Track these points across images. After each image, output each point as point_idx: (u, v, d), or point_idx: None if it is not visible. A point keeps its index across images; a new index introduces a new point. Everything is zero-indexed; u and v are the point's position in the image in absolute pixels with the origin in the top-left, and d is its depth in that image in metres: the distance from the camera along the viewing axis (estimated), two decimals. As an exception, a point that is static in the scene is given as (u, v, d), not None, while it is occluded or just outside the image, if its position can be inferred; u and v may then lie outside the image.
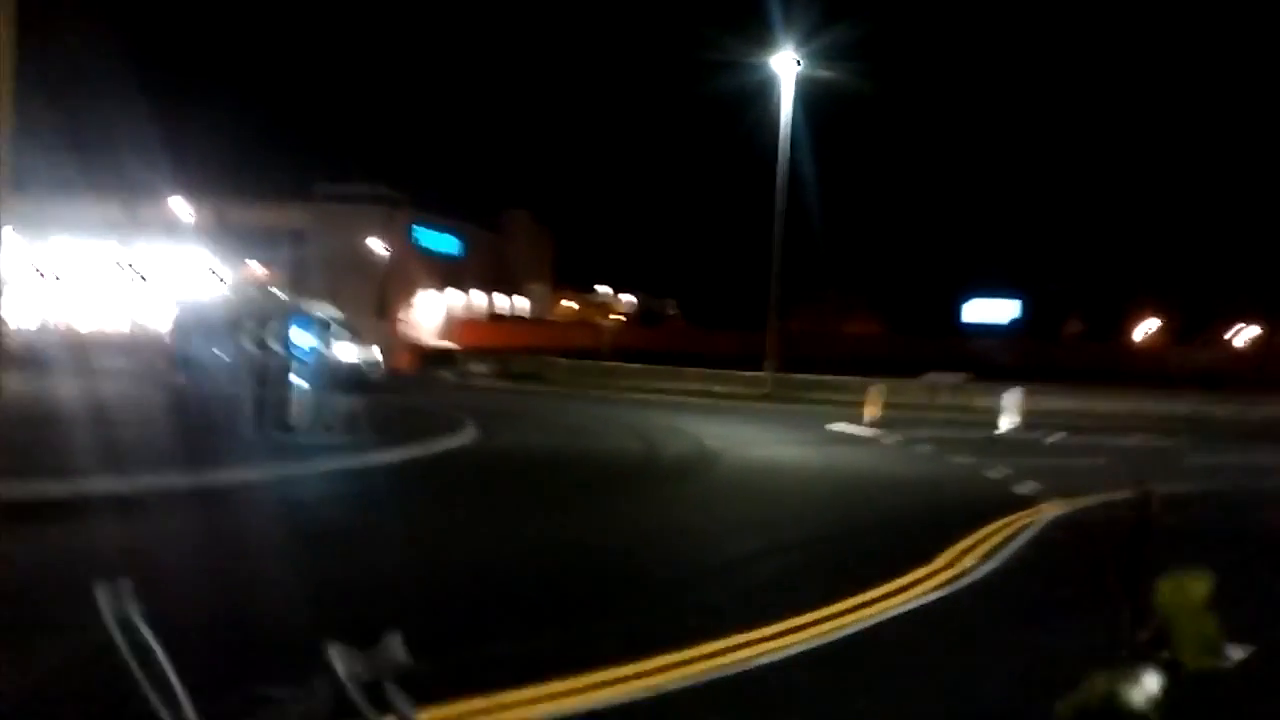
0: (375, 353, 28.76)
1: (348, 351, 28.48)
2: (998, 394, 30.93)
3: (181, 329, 31.59)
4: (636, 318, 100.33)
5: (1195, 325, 79.23)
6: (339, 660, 0.81)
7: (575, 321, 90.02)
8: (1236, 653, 1.55)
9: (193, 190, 67.67)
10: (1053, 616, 9.22)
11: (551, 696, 6.23)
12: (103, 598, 0.90)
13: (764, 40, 41.81)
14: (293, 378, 18.61)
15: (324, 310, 31.56)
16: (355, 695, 0.70)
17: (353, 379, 26.57)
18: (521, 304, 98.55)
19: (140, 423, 18.56)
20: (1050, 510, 14.56)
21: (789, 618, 8.16)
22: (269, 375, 18.21)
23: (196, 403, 23.56)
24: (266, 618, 7.87)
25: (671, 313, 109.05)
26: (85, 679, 4.75)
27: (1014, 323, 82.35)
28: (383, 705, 1.06)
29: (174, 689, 0.91)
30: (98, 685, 4.72)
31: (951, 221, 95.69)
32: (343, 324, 29.23)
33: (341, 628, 5.34)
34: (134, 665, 0.84)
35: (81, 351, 39.32)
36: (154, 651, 0.86)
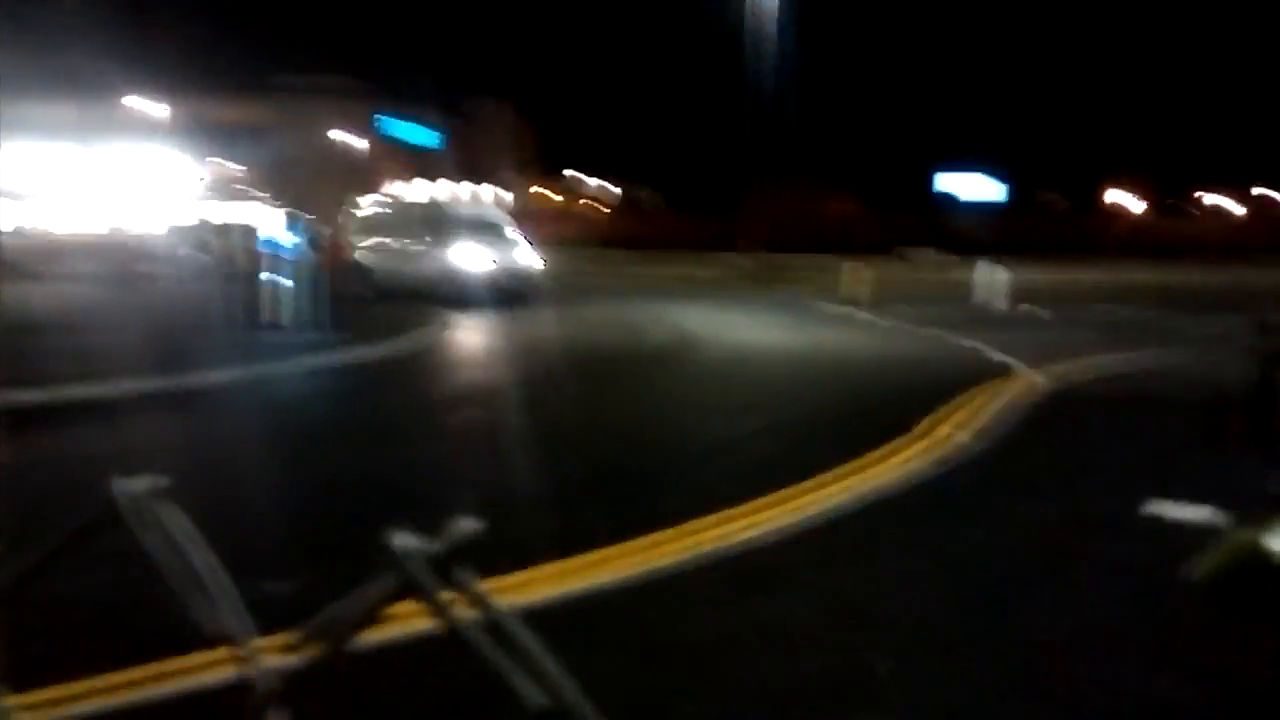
0: (536, 259, 28.15)
1: (523, 255, 27.96)
2: (977, 268, 30.93)
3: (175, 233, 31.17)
4: (618, 205, 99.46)
5: (1172, 194, 79.28)
6: (403, 543, 0.72)
7: (558, 212, 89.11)
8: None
9: (151, 88, 65.98)
10: (1042, 487, 9.30)
11: (548, 578, 6.24)
12: (123, 496, 0.79)
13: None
14: (279, 276, 18.42)
15: (494, 215, 31.19)
16: (421, 576, 0.62)
17: (522, 285, 26.43)
18: (493, 196, 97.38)
19: (121, 327, 18.34)
20: (1037, 380, 14.63)
21: (774, 495, 8.20)
22: (255, 273, 18.11)
23: (181, 304, 23.33)
24: (258, 513, 7.83)
25: (643, 194, 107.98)
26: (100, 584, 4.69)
27: (991, 200, 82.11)
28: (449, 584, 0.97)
29: (211, 587, 0.81)
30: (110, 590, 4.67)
31: (927, 96, 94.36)
32: (511, 229, 28.73)
33: (322, 520, 5.27)
34: (164, 565, 0.74)
35: (57, 256, 38.81)
36: (183, 549, 0.76)
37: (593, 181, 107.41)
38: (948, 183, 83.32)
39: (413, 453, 10.41)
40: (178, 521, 0.87)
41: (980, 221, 65.92)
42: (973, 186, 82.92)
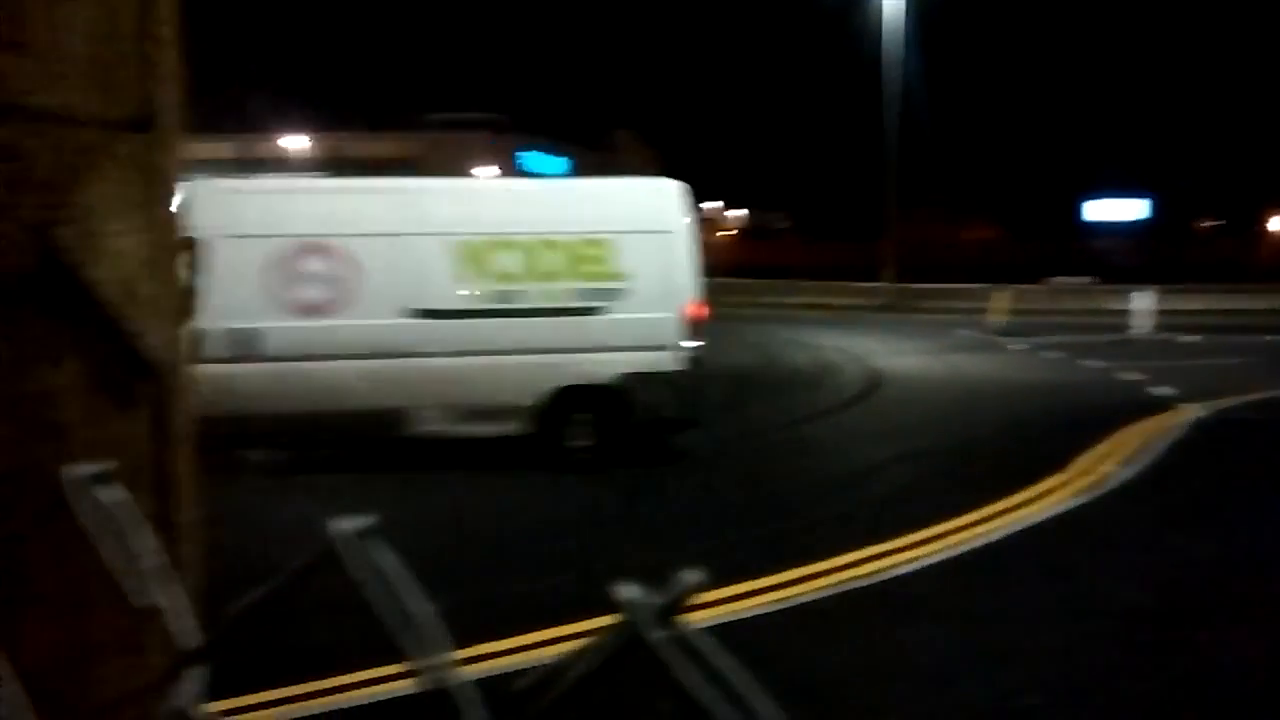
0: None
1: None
2: (1126, 295, 29.83)
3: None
4: (746, 232, 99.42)
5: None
6: (630, 594, 0.78)
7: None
8: None
9: (306, 125, 68.98)
10: (1194, 522, 8.96)
11: (690, 609, 6.27)
12: (339, 536, 0.89)
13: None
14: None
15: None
16: (648, 628, 0.67)
17: None
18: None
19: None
20: (1190, 412, 14.07)
21: (920, 528, 8.09)
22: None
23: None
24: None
25: (782, 226, 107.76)
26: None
27: (1140, 222, 79.19)
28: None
29: (422, 630, 0.89)
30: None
31: (1071, 119, 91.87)
32: None
33: (445, 562, 5.38)
34: (377, 603, 0.83)
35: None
36: (395, 589, 0.85)
37: (717, 208, 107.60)
38: (1095, 209, 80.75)
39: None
40: (389, 561, 0.96)
41: (1127, 247, 63.63)
42: (1119, 211, 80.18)
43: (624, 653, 0.88)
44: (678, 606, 0.89)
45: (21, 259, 1.50)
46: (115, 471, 1.10)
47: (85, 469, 0.89)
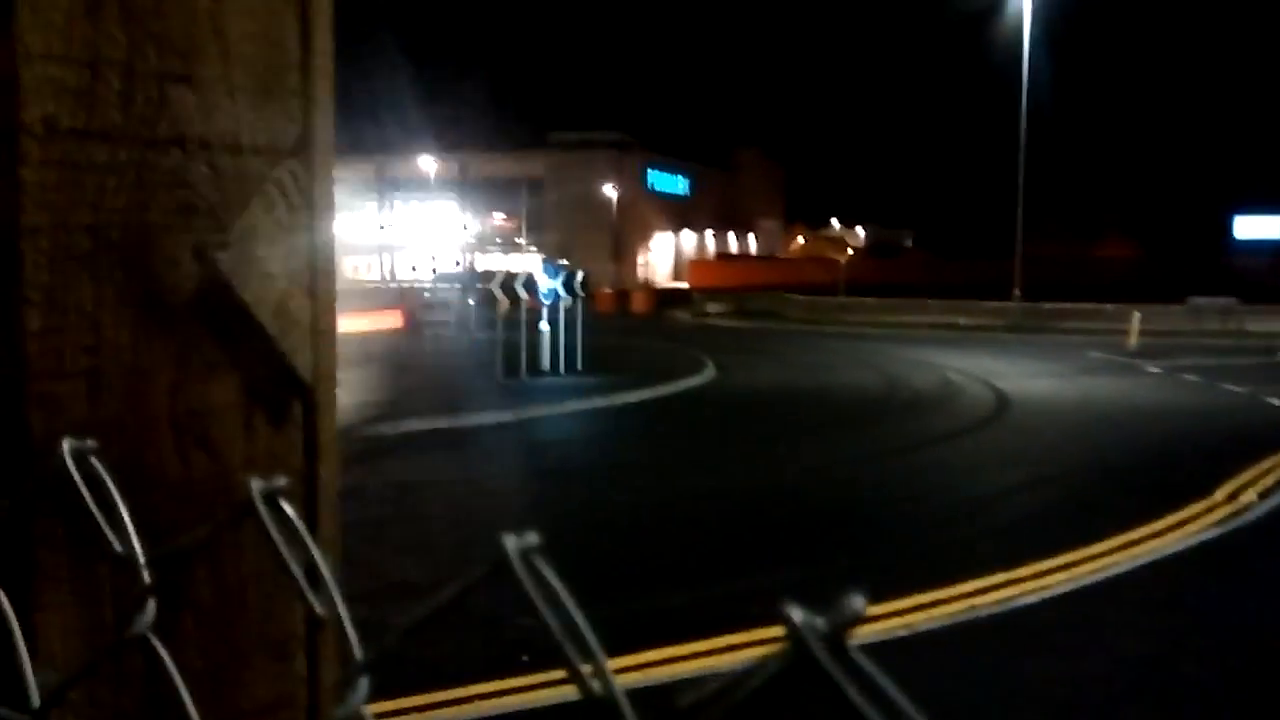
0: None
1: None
2: (1271, 318, 28.54)
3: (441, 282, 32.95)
4: (868, 250, 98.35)
5: None
6: (802, 617, 0.78)
7: (808, 257, 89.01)
8: None
9: (439, 146, 70.81)
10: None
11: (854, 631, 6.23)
12: (509, 545, 0.92)
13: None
14: (542, 323, 19.31)
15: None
16: (819, 653, 0.67)
17: None
18: (752, 243, 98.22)
19: (404, 370, 19.69)
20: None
21: (1047, 558, 7.86)
22: (519, 322, 18.94)
23: (451, 348, 24.80)
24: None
25: (907, 244, 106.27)
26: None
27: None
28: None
29: (586, 643, 0.92)
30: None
31: (1215, 133, 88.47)
32: None
33: (598, 558, 5.53)
34: (544, 617, 0.86)
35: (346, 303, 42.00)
36: (561, 603, 0.88)
37: (858, 230, 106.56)
38: (1245, 227, 77.41)
39: (672, 489, 10.64)
40: (553, 577, 0.98)
41: (1270, 265, 60.88)
42: (1266, 228, 76.72)
43: (793, 674, 0.89)
44: (846, 629, 0.89)
45: (187, 282, 1.58)
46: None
47: (264, 484, 0.95)
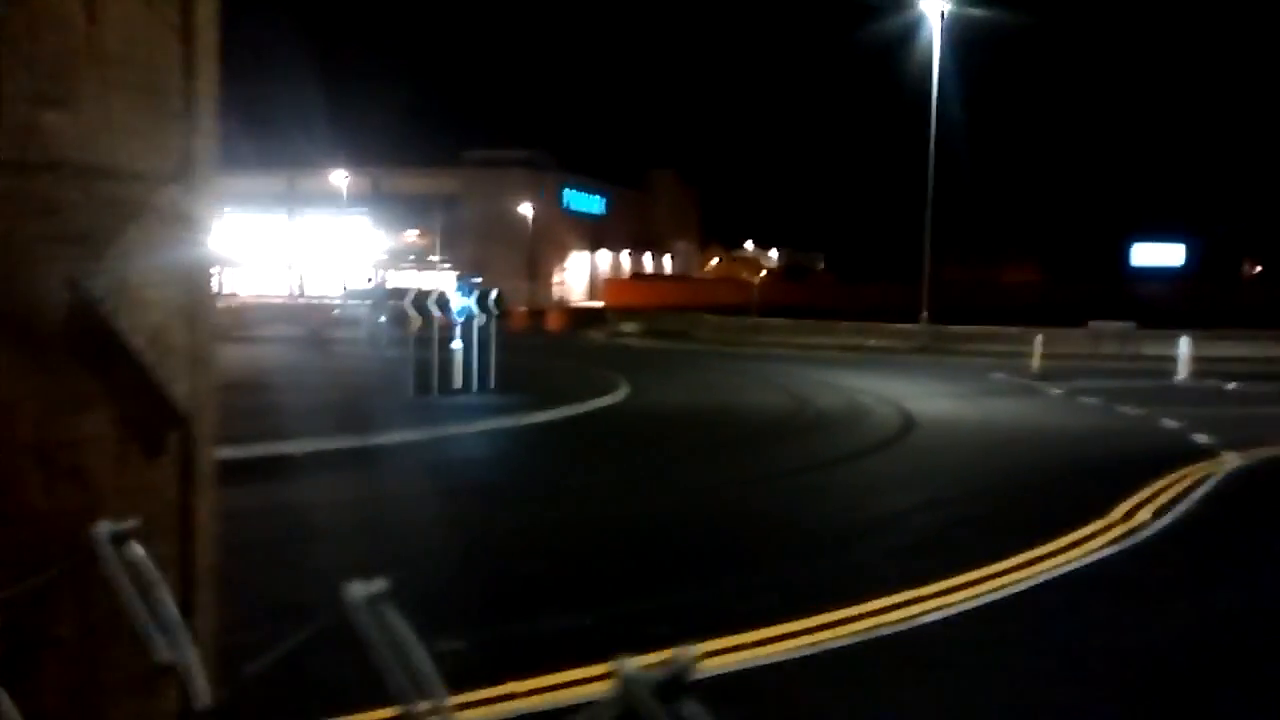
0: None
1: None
2: (1167, 342, 29.51)
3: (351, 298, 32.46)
4: (781, 273, 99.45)
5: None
6: (628, 670, 0.81)
7: (722, 278, 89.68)
8: None
9: (352, 162, 69.92)
10: (1233, 573, 8.83)
11: (715, 653, 6.26)
12: (355, 594, 0.92)
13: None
14: (454, 342, 19.16)
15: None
16: (648, 706, 0.69)
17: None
18: (667, 264, 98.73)
19: (306, 387, 19.36)
20: (1229, 461, 13.87)
21: (950, 577, 8.01)
22: (430, 339, 18.75)
23: (359, 366, 24.46)
24: (436, 573, 8.15)
25: (819, 266, 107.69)
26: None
27: (1181, 267, 78.43)
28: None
29: (427, 691, 0.92)
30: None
31: (1113, 163, 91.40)
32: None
33: (502, 582, 5.48)
34: (384, 665, 0.86)
35: (245, 319, 41.36)
36: (402, 651, 0.88)
37: (771, 252, 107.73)
38: (1142, 254, 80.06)
39: (578, 511, 10.62)
40: (398, 624, 0.99)
41: (1167, 291, 63.01)
42: (1165, 255, 79.47)
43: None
44: (677, 683, 0.90)
45: (57, 311, 1.54)
46: (143, 518, 1.13)
47: (110, 526, 0.93)
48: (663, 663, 0.90)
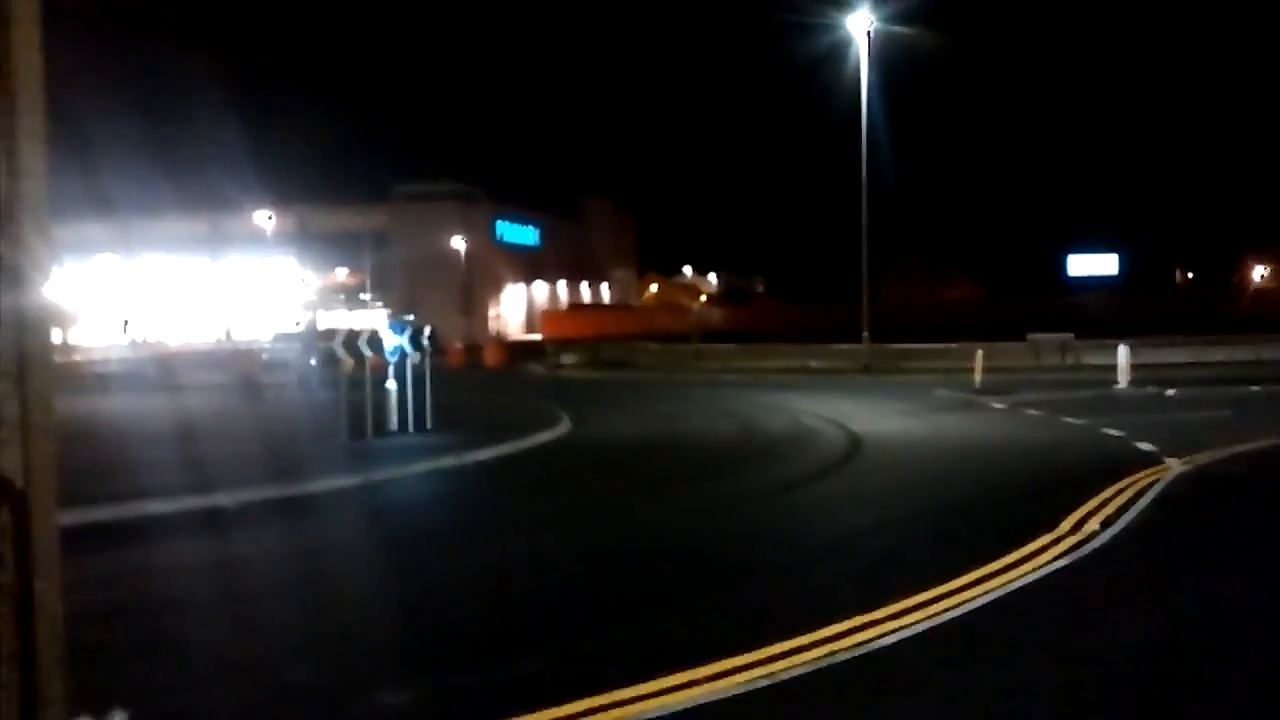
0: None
1: None
2: (1106, 351, 29.90)
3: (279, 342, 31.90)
4: (721, 297, 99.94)
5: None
6: None
7: (661, 305, 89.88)
8: None
9: (276, 200, 69.01)
10: (1182, 581, 8.79)
11: (668, 690, 6.04)
12: None
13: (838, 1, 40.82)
14: (388, 382, 18.73)
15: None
16: None
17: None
18: (605, 292, 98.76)
19: (239, 436, 18.87)
20: (1172, 468, 13.94)
21: (904, 597, 7.85)
22: (364, 380, 18.27)
23: (291, 411, 23.95)
24: (382, 623, 7.85)
25: (759, 290, 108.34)
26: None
27: (1116, 277, 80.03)
28: None
29: None
30: None
31: (1045, 176, 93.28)
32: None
33: (454, 628, 5.20)
34: None
35: (173, 367, 40.61)
36: None
37: (710, 277, 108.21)
38: (1078, 265, 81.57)
39: (528, 550, 10.34)
40: None
41: (1104, 301, 64.22)
42: (1097, 265, 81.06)
43: None
44: None
45: None
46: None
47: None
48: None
